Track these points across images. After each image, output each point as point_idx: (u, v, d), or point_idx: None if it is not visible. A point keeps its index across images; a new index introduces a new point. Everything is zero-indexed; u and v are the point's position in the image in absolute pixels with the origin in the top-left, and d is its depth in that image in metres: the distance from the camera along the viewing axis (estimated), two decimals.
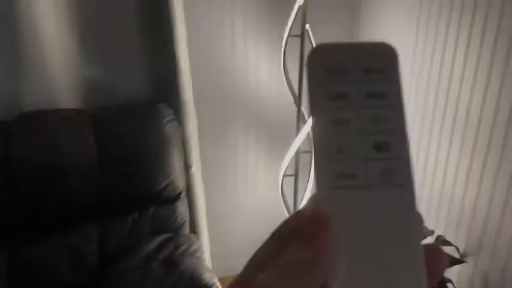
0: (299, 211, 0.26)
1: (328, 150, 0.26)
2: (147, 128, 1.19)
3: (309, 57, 0.27)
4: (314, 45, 1.12)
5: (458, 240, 1.23)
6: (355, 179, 0.26)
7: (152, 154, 1.17)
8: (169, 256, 1.08)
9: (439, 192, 1.29)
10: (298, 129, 1.35)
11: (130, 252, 1.10)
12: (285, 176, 1.37)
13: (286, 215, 1.07)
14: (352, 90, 0.27)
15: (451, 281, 1.19)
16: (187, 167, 1.28)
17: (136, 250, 1.10)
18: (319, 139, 0.27)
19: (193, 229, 1.30)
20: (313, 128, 0.26)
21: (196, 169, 1.32)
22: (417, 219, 0.26)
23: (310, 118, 0.27)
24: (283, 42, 1.29)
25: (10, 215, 1.09)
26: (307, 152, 1.37)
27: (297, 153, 1.36)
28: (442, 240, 1.22)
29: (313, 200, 0.27)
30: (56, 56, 1.22)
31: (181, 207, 1.23)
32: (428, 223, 1.31)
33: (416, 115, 1.34)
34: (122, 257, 1.10)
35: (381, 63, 0.27)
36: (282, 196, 1.41)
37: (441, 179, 1.27)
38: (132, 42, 1.26)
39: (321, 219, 0.24)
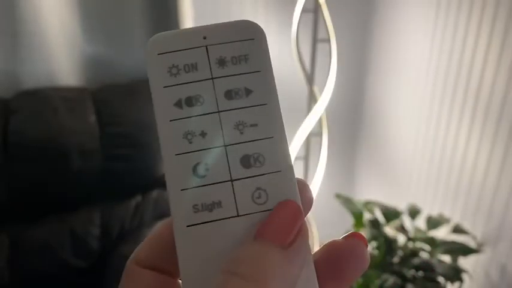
0: None
1: (181, 174, 0.20)
2: (150, 108, 1.13)
3: (146, 54, 0.22)
4: (328, 22, 1.05)
5: (476, 228, 1.18)
6: (220, 208, 0.19)
7: (156, 135, 1.12)
8: None
9: (457, 177, 1.23)
10: (309, 109, 1.30)
11: (133, 237, 1.07)
12: (295, 158, 1.32)
13: None
14: (204, 91, 0.21)
15: (466, 271, 1.15)
16: None
17: (139, 235, 1.06)
18: (169, 160, 0.21)
19: None
20: (161, 144, 0.21)
21: None
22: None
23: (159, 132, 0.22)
24: (295, 18, 1.22)
25: (9, 197, 1.06)
26: (319, 133, 1.32)
27: (309, 134, 1.30)
28: (458, 229, 1.17)
29: (158, 233, 0.22)
30: (57, 33, 1.17)
31: None
32: (445, 210, 1.27)
33: (434, 96, 1.28)
34: (124, 242, 1.07)
35: (240, 49, 0.21)
36: None
37: (460, 164, 1.22)
38: (135, 19, 1.21)
39: None
